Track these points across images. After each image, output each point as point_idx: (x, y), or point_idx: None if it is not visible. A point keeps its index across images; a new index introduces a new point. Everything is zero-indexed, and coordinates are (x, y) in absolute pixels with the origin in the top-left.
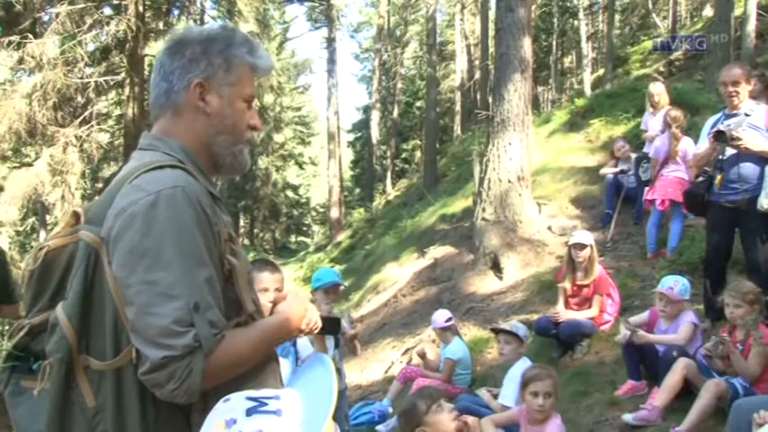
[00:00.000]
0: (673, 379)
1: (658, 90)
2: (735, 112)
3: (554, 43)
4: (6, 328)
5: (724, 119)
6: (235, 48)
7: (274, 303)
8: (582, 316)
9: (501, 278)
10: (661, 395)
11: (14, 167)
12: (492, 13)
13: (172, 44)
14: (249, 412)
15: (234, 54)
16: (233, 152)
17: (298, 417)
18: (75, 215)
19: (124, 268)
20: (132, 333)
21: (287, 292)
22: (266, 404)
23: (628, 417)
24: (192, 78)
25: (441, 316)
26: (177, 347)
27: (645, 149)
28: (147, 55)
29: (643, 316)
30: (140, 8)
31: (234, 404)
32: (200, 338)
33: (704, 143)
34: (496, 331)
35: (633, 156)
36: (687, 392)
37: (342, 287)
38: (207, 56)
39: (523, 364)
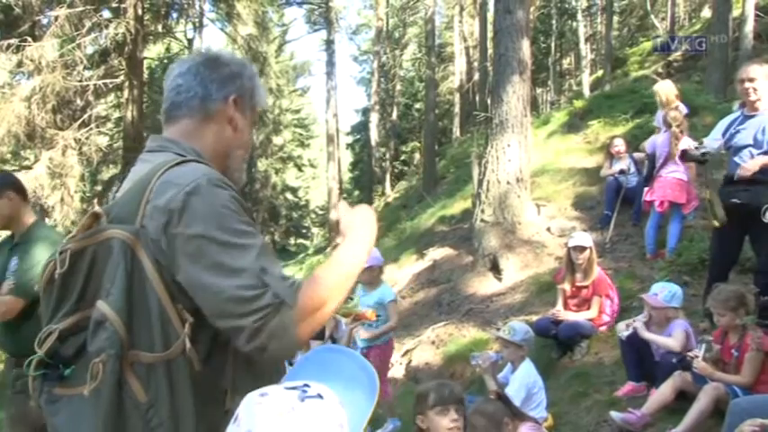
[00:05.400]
0: (665, 390)
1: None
2: (753, 113)
3: (552, 45)
4: None
5: (742, 120)
6: (256, 78)
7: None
8: (581, 317)
9: (500, 279)
10: (651, 403)
11: (13, 170)
12: (491, 15)
13: (208, 58)
14: (302, 398)
15: (257, 83)
16: (241, 168)
17: (335, 398)
18: (95, 216)
19: (183, 262)
20: (215, 318)
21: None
22: (306, 390)
23: (616, 414)
24: (230, 92)
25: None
26: (262, 308)
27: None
28: (146, 58)
29: (639, 319)
30: (139, 11)
31: (281, 394)
32: (280, 294)
33: (716, 141)
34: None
35: (633, 156)
36: (684, 395)
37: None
38: (241, 78)
39: (528, 366)
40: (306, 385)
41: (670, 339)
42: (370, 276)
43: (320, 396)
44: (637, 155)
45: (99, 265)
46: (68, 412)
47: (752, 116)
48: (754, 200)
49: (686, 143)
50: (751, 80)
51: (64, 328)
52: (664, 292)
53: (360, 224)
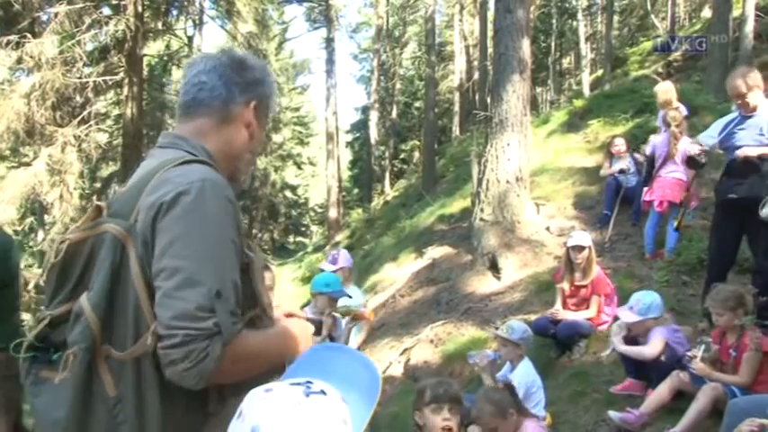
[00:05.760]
0: (662, 390)
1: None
2: (751, 114)
3: (552, 44)
4: None
5: (740, 120)
6: (275, 86)
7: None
8: (580, 316)
9: (499, 278)
10: (649, 403)
11: (13, 167)
12: (491, 14)
13: (233, 59)
14: (307, 393)
15: (275, 91)
16: (248, 171)
17: (338, 395)
18: (98, 209)
19: (156, 252)
20: (157, 314)
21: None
22: (310, 386)
23: (614, 414)
24: (251, 97)
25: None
26: (198, 329)
27: None
28: (145, 55)
29: (620, 327)
30: (139, 8)
31: (286, 390)
32: (221, 326)
33: (711, 139)
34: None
35: (639, 157)
36: (682, 394)
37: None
38: (263, 84)
39: (526, 365)
40: (309, 382)
41: (645, 348)
42: (342, 277)
43: (323, 392)
44: (637, 156)
45: (95, 257)
46: (48, 395)
47: (750, 116)
48: (751, 192)
49: (685, 143)
50: (741, 96)
51: (56, 315)
52: (639, 304)
53: (299, 332)
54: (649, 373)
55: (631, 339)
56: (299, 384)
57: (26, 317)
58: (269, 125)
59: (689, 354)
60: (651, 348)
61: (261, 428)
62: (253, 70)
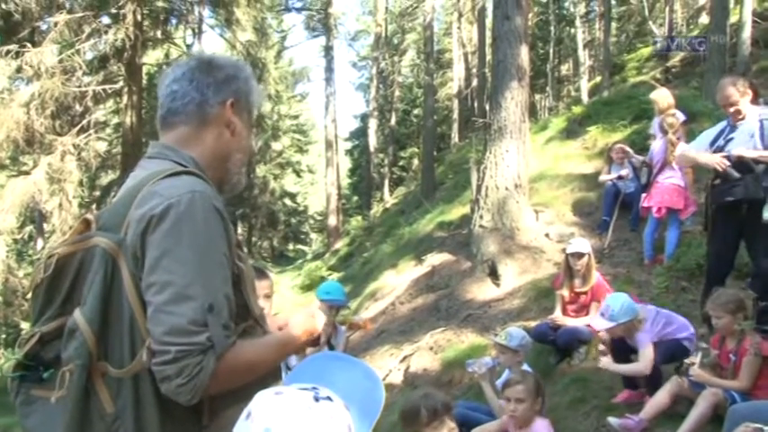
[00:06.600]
0: (661, 396)
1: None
2: (740, 122)
3: (551, 51)
4: (3, 336)
5: (730, 129)
6: (252, 80)
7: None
8: (580, 323)
9: (498, 285)
10: (648, 409)
11: (12, 176)
12: (489, 22)
13: (202, 62)
14: (316, 399)
15: (253, 85)
16: (240, 171)
17: (341, 402)
18: (86, 223)
19: (146, 267)
20: (149, 330)
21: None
22: (318, 392)
23: (614, 420)
24: (227, 96)
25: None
26: (191, 345)
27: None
28: (144, 64)
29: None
30: (138, 17)
31: (297, 394)
32: (213, 339)
33: (700, 150)
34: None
35: (639, 158)
36: (682, 398)
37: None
38: (237, 80)
39: None
40: (315, 387)
41: (639, 365)
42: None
43: (330, 399)
44: (634, 160)
45: (85, 271)
46: (41, 415)
47: (738, 125)
48: (747, 194)
49: (682, 149)
50: (734, 104)
51: (46, 332)
52: (609, 310)
53: (298, 327)
54: (647, 379)
55: (620, 341)
56: (306, 389)
57: (25, 326)
58: (267, 130)
59: (687, 361)
60: (645, 362)
61: (273, 430)
62: (224, 68)
